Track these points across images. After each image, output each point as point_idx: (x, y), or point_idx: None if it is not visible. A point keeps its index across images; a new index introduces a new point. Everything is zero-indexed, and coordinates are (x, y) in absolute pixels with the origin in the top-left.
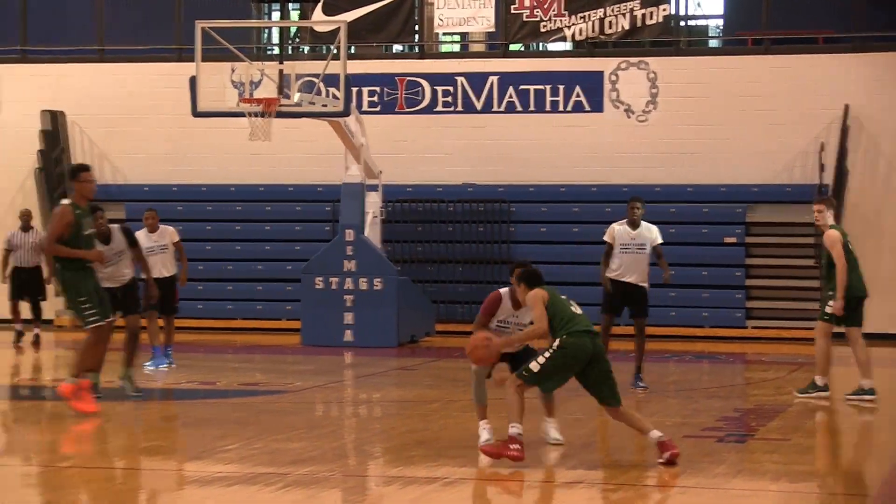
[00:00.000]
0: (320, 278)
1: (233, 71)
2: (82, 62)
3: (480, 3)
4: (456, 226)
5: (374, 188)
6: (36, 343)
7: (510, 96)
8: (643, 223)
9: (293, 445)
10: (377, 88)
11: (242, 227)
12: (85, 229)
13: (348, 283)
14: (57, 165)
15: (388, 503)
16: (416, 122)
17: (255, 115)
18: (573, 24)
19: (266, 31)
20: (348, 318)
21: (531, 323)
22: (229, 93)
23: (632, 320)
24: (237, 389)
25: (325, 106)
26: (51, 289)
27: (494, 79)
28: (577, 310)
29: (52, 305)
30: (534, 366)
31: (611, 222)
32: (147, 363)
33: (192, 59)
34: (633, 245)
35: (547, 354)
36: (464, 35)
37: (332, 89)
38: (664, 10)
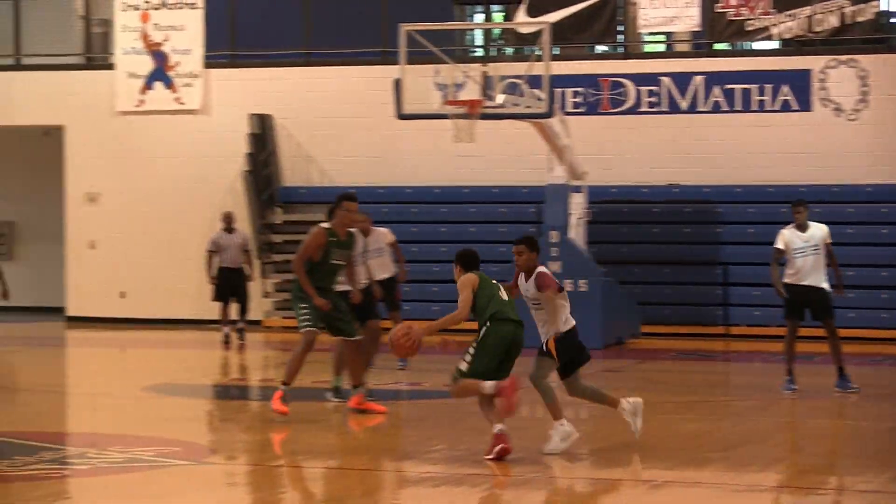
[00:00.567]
0: None
1: (437, 73)
2: (289, 66)
3: (685, 2)
4: (661, 227)
5: (578, 189)
6: (242, 342)
7: (716, 96)
8: (811, 223)
9: None
10: (581, 89)
11: (447, 228)
12: (333, 258)
13: None
14: (264, 168)
15: None
16: (621, 123)
17: (459, 116)
18: (780, 23)
19: (470, 33)
20: None
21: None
22: (433, 95)
23: (818, 323)
24: (443, 390)
25: (528, 107)
26: (254, 288)
27: (700, 78)
28: (505, 296)
29: (261, 306)
30: (462, 365)
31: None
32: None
33: (396, 62)
34: (807, 248)
35: (472, 350)
36: (668, 34)
37: (535, 90)
38: (874, 6)
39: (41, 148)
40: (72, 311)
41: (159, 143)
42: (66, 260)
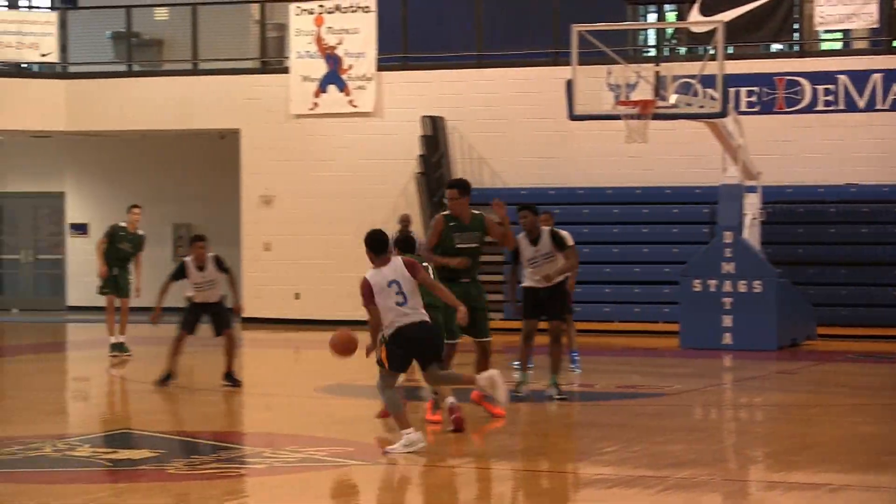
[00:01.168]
0: (698, 281)
1: (609, 73)
2: (461, 68)
3: (863, 0)
4: (837, 227)
5: (752, 189)
6: None
7: (894, 94)
8: None
9: (672, 448)
10: (755, 88)
11: (620, 229)
12: (456, 242)
13: (727, 286)
14: (436, 170)
15: None
16: (796, 122)
17: (632, 117)
18: None
19: (642, 32)
20: (727, 320)
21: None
22: (605, 95)
23: None
24: (615, 392)
25: (702, 107)
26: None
27: (878, 76)
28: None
29: None
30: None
31: None
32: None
33: (568, 63)
34: None
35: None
36: (845, 32)
37: (709, 90)
38: None
39: (217, 151)
40: (247, 312)
41: (333, 145)
42: (242, 262)
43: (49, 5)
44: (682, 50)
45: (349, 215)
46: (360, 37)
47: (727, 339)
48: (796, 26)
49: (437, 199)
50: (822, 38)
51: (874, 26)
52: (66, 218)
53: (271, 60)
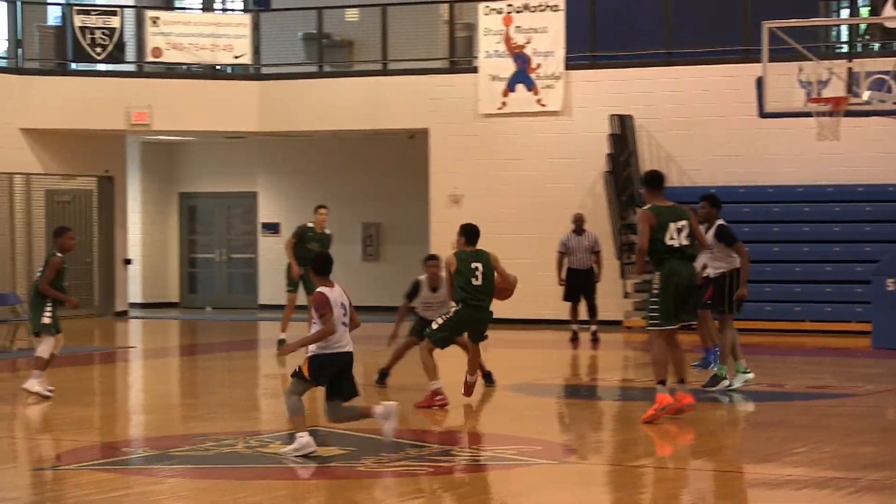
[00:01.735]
0: (891, 280)
1: (800, 70)
2: (650, 66)
3: None
4: None
5: None
6: (594, 342)
7: None
8: None
9: (864, 450)
10: None
11: (811, 228)
12: (667, 234)
13: None
14: (624, 169)
15: None
16: None
17: (824, 114)
18: None
19: (835, 28)
20: None
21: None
22: (796, 93)
23: None
24: (805, 392)
25: (895, 104)
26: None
27: None
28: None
29: (621, 307)
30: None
31: None
32: (694, 363)
33: (758, 60)
34: None
35: (440, 320)
36: None
37: None
38: None
39: (406, 151)
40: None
41: (521, 144)
42: None
43: (242, 8)
44: (876, 45)
45: (537, 214)
46: (548, 36)
47: None
48: None
49: (626, 198)
50: None
51: None
52: (258, 217)
53: (460, 60)
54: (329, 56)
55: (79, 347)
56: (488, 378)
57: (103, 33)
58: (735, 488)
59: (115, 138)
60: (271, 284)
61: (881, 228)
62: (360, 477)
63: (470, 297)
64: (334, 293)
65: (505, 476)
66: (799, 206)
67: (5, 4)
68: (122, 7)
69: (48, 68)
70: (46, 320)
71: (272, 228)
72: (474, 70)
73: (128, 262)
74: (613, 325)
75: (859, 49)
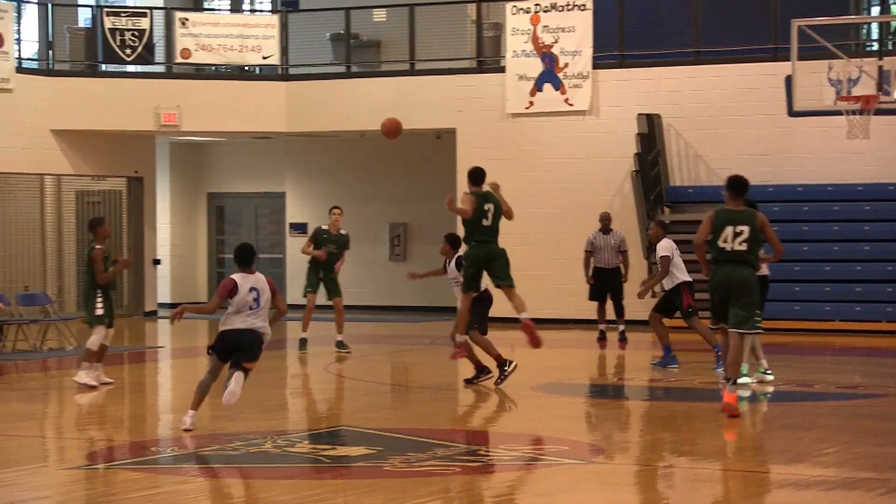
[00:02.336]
0: None
1: (829, 68)
2: (678, 65)
3: None
4: None
5: None
6: (622, 341)
7: None
8: None
9: (894, 450)
10: None
11: (840, 227)
12: (721, 237)
13: None
14: (652, 168)
15: None
16: None
17: (853, 112)
18: None
19: (864, 26)
20: None
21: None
22: (826, 91)
23: None
24: (835, 392)
25: None
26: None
27: None
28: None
29: (648, 307)
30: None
31: None
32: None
33: (787, 58)
34: None
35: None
36: None
37: None
38: None
39: (434, 151)
40: None
41: (548, 144)
42: None
43: (271, 9)
44: None
45: (564, 214)
46: (576, 35)
47: None
48: None
49: (653, 198)
50: None
51: None
52: (286, 217)
53: (487, 60)
54: (357, 56)
55: (109, 347)
56: (483, 372)
57: (133, 35)
58: (764, 489)
59: (145, 139)
60: (299, 284)
61: None
62: (387, 477)
63: (480, 236)
64: (248, 280)
65: (532, 476)
66: (828, 205)
67: (36, 6)
68: (151, 8)
69: (78, 70)
70: (99, 311)
71: (300, 229)
72: (502, 70)
73: (157, 262)
74: (641, 324)
75: (890, 47)
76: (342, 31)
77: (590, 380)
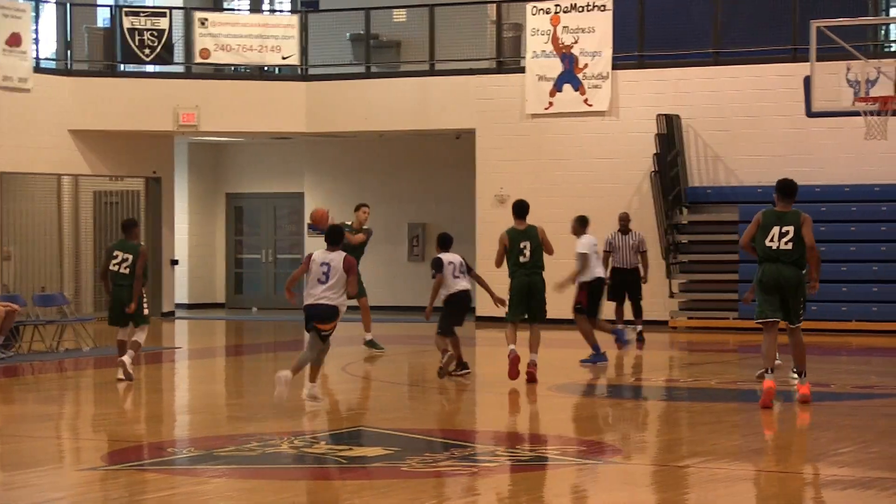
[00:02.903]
0: None
1: (848, 69)
2: (697, 66)
3: None
4: None
5: None
6: (640, 341)
7: None
8: None
9: None
10: None
11: (857, 227)
12: (767, 236)
13: None
14: (671, 169)
15: None
16: None
17: (872, 113)
18: None
19: (883, 27)
20: None
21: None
22: (844, 92)
23: None
24: (852, 392)
25: None
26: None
27: None
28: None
29: (667, 307)
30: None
31: None
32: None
33: (806, 59)
34: None
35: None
36: None
37: None
38: None
39: (453, 151)
40: (481, 311)
41: (568, 144)
42: (477, 260)
43: (290, 9)
44: None
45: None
46: (596, 35)
47: None
48: None
49: (672, 198)
50: None
51: None
52: (304, 218)
53: (507, 60)
54: (376, 56)
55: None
56: (462, 367)
57: (152, 35)
58: (780, 489)
59: (163, 139)
60: None
61: None
62: (405, 477)
63: (519, 270)
64: (325, 255)
65: (549, 476)
66: (846, 206)
67: (54, 6)
68: (170, 8)
69: (97, 70)
70: (146, 311)
71: (318, 229)
72: (521, 70)
73: (175, 262)
74: (659, 325)
75: None
76: (362, 32)
77: (607, 380)
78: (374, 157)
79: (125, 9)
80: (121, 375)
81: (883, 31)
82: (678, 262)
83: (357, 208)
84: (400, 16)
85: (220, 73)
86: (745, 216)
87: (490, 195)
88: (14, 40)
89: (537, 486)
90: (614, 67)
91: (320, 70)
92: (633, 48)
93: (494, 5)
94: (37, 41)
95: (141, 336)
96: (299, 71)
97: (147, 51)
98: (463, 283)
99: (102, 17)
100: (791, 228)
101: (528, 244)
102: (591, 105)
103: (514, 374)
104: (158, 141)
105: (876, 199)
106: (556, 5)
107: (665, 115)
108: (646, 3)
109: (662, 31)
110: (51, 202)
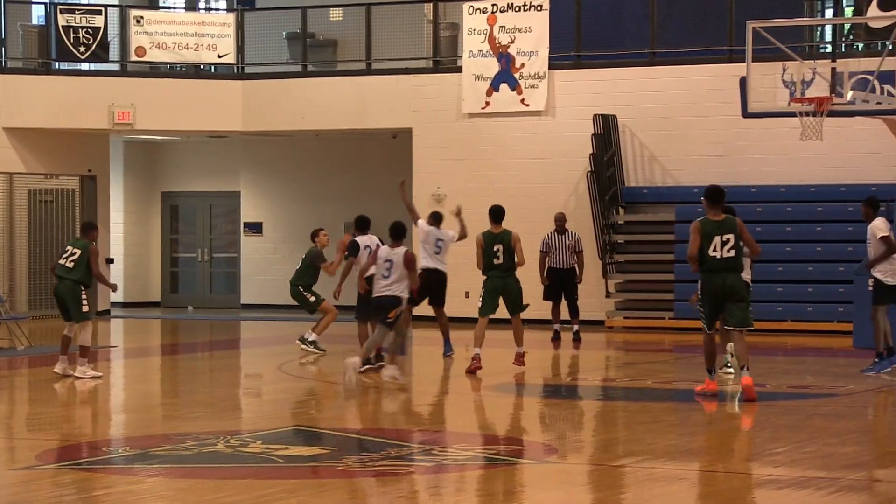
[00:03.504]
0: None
1: (784, 70)
2: (634, 66)
3: None
4: None
5: None
6: (576, 341)
7: None
8: None
9: (845, 450)
10: None
11: (793, 228)
12: (710, 246)
13: None
14: (608, 169)
15: None
16: None
17: (807, 114)
18: None
19: (818, 28)
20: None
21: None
22: (780, 92)
23: None
24: (787, 392)
25: (879, 104)
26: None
27: None
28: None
29: (604, 307)
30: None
31: None
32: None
33: (742, 60)
34: None
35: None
36: None
37: (887, 86)
38: None
39: (390, 150)
40: (416, 309)
41: (504, 144)
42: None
43: (226, 7)
44: (860, 46)
45: (520, 214)
46: (532, 35)
47: None
48: None
49: (609, 198)
50: None
51: None
52: (241, 217)
53: (444, 60)
54: (313, 55)
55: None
56: (378, 358)
57: (87, 32)
58: (716, 488)
59: (99, 137)
60: (254, 284)
61: (863, 228)
62: (341, 477)
63: (494, 272)
64: (388, 252)
65: (486, 476)
66: (782, 206)
67: None
68: (106, 6)
69: (32, 67)
70: (85, 308)
71: (255, 228)
72: (458, 70)
73: (110, 261)
74: (595, 324)
75: (843, 49)
76: (298, 31)
77: (544, 380)
78: (311, 157)
79: (60, 6)
80: (68, 371)
81: (819, 33)
82: (614, 262)
83: (315, 234)
84: (336, 15)
85: (156, 71)
86: (681, 216)
87: (427, 195)
88: None
89: (473, 485)
90: (551, 67)
91: (256, 69)
92: (570, 48)
93: (431, 5)
94: None
95: (84, 336)
96: (235, 69)
97: (82, 49)
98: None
99: (37, 14)
100: (731, 236)
101: (501, 247)
102: (527, 105)
103: (472, 369)
104: (94, 139)
105: (811, 200)
106: (493, 5)
107: (601, 115)
108: (582, 4)
109: (599, 31)
110: None
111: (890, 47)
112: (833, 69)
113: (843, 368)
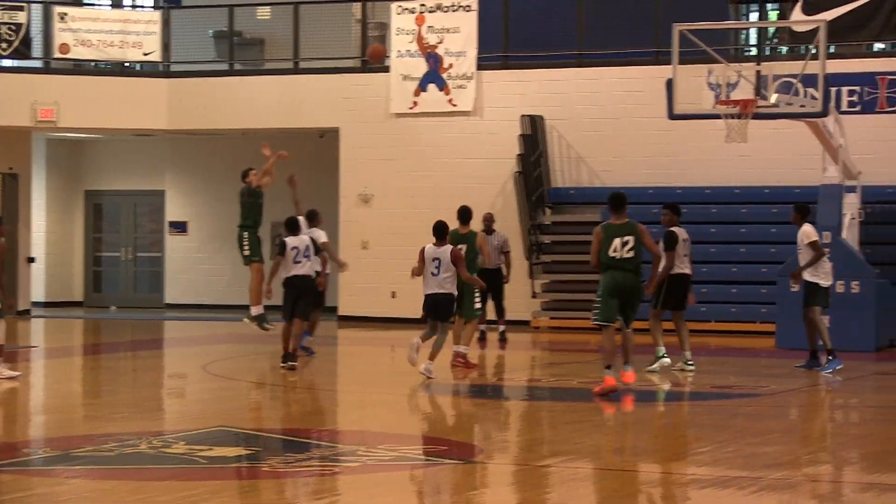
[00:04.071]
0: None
1: (709, 73)
2: (561, 67)
3: None
4: None
5: (852, 189)
6: (502, 341)
7: None
8: None
9: (767, 449)
10: (857, 88)
11: (717, 229)
12: (610, 247)
13: None
14: (535, 169)
15: None
16: None
17: (732, 116)
18: None
19: (744, 32)
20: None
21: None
22: (705, 95)
23: None
24: (710, 392)
25: (802, 106)
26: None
27: None
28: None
29: (530, 307)
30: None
31: None
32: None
33: (668, 62)
34: None
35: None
36: None
37: (810, 90)
38: None
39: (317, 150)
40: (343, 310)
41: (432, 144)
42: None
43: (152, 5)
44: (784, 49)
45: (447, 214)
46: (460, 36)
47: None
48: None
49: (535, 199)
50: None
51: None
52: (165, 216)
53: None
54: (240, 54)
55: None
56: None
57: (9, 28)
58: (638, 488)
59: (21, 135)
60: (178, 284)
61: (787, 230)
62: (265, 477)
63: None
64: (434, 251)
65: (411, 476)
66: (706, 208)
67: None
68: (29, 2)
69: None
70: None
71: (180, 227)
72: (386, 70)
73: (31, 260)
74: (522, 325)
75: (768, 52)
76: (225, 29)
77: (470, 380)
78: (238, 156)
79: None
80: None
81: (744, 36)
82: (541, 263)
83: (245, 174)
84: (264, 13)
85: (80, 68)
86: (607, 217)
87: (354, 194)
88: None
89: (398, 486)
90: (479, 68)
91: (183, 67)
92: (498, 49)
93: (360, 4)
94: None
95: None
96: (161, 67)
97: (4, 45)
98: (304, 269)
99: None
100: (631, 238)
101: (465, 247)
102: (455, 105)
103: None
104: (15, 136)
105: (736, 202)
106: (422, 5)
107: (529, 115)
108: (511, 5)
109: (527, 32)
110: None
111: (813, 51)
112: (758, 72)
113: (765, 369)
